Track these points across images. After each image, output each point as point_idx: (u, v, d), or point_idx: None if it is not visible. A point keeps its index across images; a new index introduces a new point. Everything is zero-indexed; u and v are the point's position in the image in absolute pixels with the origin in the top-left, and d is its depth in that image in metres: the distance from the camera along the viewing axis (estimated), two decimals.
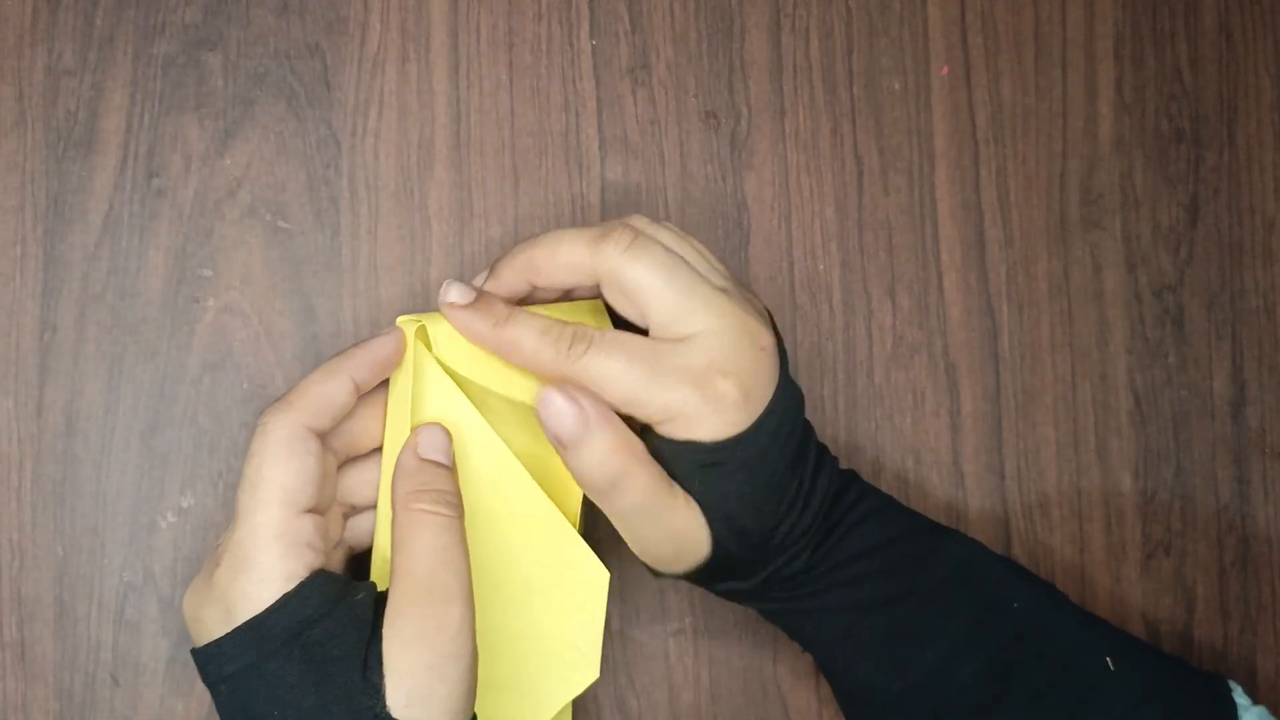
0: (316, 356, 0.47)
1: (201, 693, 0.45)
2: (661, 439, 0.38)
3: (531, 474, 0.40)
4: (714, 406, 0.37)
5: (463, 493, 0.39)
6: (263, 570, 0.35)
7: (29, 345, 0.46)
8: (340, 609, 0.36)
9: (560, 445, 0.38)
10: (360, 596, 0.36)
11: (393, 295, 0.47)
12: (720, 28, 0.49)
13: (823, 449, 0.42)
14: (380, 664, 0.35)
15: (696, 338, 0.38)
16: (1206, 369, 0.51)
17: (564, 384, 0.38)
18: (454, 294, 0.39)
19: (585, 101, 0.49)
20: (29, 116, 0.46)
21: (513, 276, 0.40)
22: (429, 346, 0.40)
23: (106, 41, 0.46)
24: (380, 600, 0.37)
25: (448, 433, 0.39)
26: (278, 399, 0.38)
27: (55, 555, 0.45)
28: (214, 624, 0.36)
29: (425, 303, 0.47)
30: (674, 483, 0.38)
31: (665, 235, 0.40)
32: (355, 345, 0.39)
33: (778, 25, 0.50)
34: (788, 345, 0.45)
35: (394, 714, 0.34)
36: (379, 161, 0.47)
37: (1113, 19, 0.51)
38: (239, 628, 0.35)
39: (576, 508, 0.42)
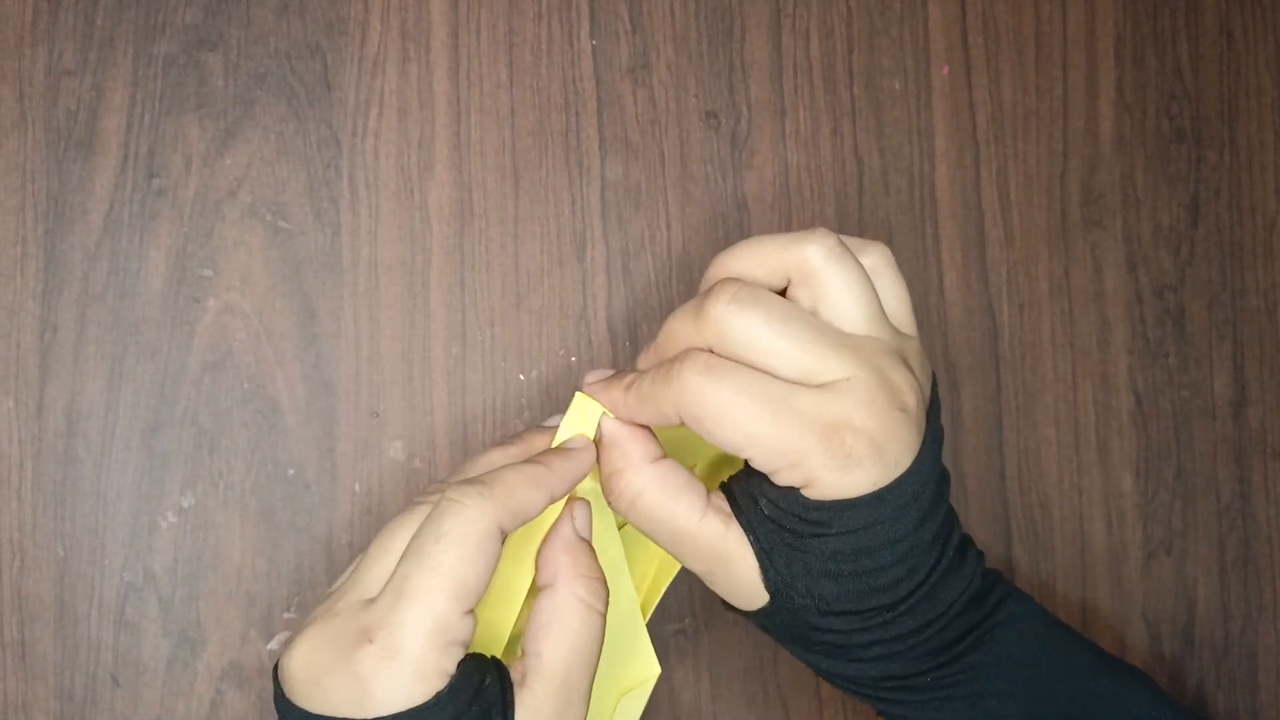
0: (316, 356, 0.47)
1: (201, 693, 0.45)
2: (764, 490, 0.36)
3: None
4: (840, 463, 0.34)
5: None
6: (419, 665, 0.33)
7: (29, 345, 0.46)
8: (477, 707, 0.34)
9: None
10: (488, 683, 0.35)
11: (393, 295, 0.47)
12: (720, 28, 0.49)
13: (969, 547, 0.39)
14: None
15: (831, 386, 0.35)
16: (1207, 369, 0.51)
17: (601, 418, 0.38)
18: (593, 375, 0.39)
19: (585, 101, 0.49)
20: (29, 116, 0.46)
21: (654, 410, 0.38)
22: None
23: (106, 41, 0.46)
24: (507, 677, 0.36)
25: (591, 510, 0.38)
26: (477, 481, 0.35)
27: (55, 555, 0.45)
28: (341, 701, 0.33)
29: (425, 303, 0.47)
30: (711, 509, 0.37)
31: (845, 270, 0.36)
32: (553, 453, 0.37)
33: (778, 25, 0.50)
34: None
35: None
36: (379, 161, 0.47)
37: (1113, 19, 0.51)
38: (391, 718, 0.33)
39: (650, 600, 0.42)
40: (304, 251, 0.47)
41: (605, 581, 0.37)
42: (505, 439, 0.40)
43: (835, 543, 0.35)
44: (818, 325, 0.35)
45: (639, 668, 0.41)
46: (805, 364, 0.35)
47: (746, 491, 0.37)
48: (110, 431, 0.46)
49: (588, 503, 0.38)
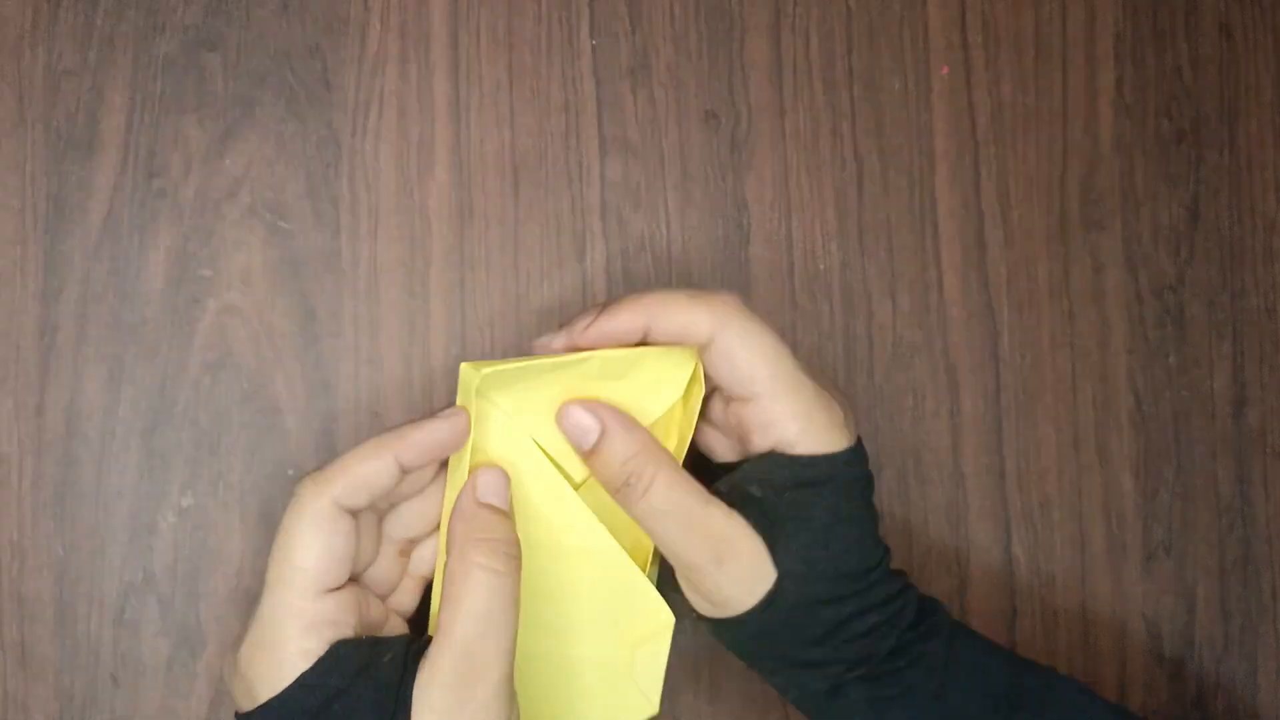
0: (316, 356, 0.47)
1: (201, 692, 0.45)
2: (752, 461, 0.39)
3: (605, 524, 0.40)
4: (827, 416, 0.38)
5: (525, 527, 0.39)
6: (281, 651, 0.35)
7: (29, 345, 0.46)
8: (363, 682, 0.35)
9: (583, 454, 0.39)
10: (388, 659, 0.35)
11: (393, 295, 0.47)
12: (720, 28, 0.49)
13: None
14: None
15: (810, 374, 0.39)
16: (1207, 369, 0.51)
17: (594, 403, 0.39)
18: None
19: (585, 101, 0.49)
20: (29, 117, 0.46)
21: (631, 318, 0.39)
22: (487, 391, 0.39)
23: (106, 42, 0.46)
24: (418, 653, 0.36)
25: (506, 476, 0.39)
26: (317, 469, 0.37)
27: (55, 555, 0.45)
28: (241, 698, 0.36)
29: (425, 303, 0.47)
30: (712, 497, 0.38)
31: None
32: (410, 424, 0.37)
33: (778, 25, 0.50)
34: (788, 345, 0.45)
35: None
36: (379, 161, 0.47)
37: (1113, 19, 0.51)
38: (262, 707, 0.35)
39: (647, 557, 0.42)
40: (304, 251, 0.47)
41: (513, 543, 0.37)
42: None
43: (834, 496, 0.38)
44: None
45: (647, 619, 0.41)
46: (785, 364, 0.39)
47: (730, 488, 0.39)
48: (110, 431, 0.46)
49: (496, 469, 0.38)
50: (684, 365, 0.40)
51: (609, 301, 0.40)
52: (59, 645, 0.45)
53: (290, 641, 0.35)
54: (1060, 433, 0.50)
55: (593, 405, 0.39)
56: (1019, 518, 0.50)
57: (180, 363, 0.46)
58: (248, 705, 0.35)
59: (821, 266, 0.49)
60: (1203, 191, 0.51)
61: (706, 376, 0.40)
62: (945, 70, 0.50)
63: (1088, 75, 0.51)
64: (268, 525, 0.46)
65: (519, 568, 0.37)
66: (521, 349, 0.47)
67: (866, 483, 0.40)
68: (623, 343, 0.39)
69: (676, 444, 0.41)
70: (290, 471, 0.46)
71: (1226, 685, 0.50)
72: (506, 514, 0.38)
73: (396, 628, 0.40)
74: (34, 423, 0.45)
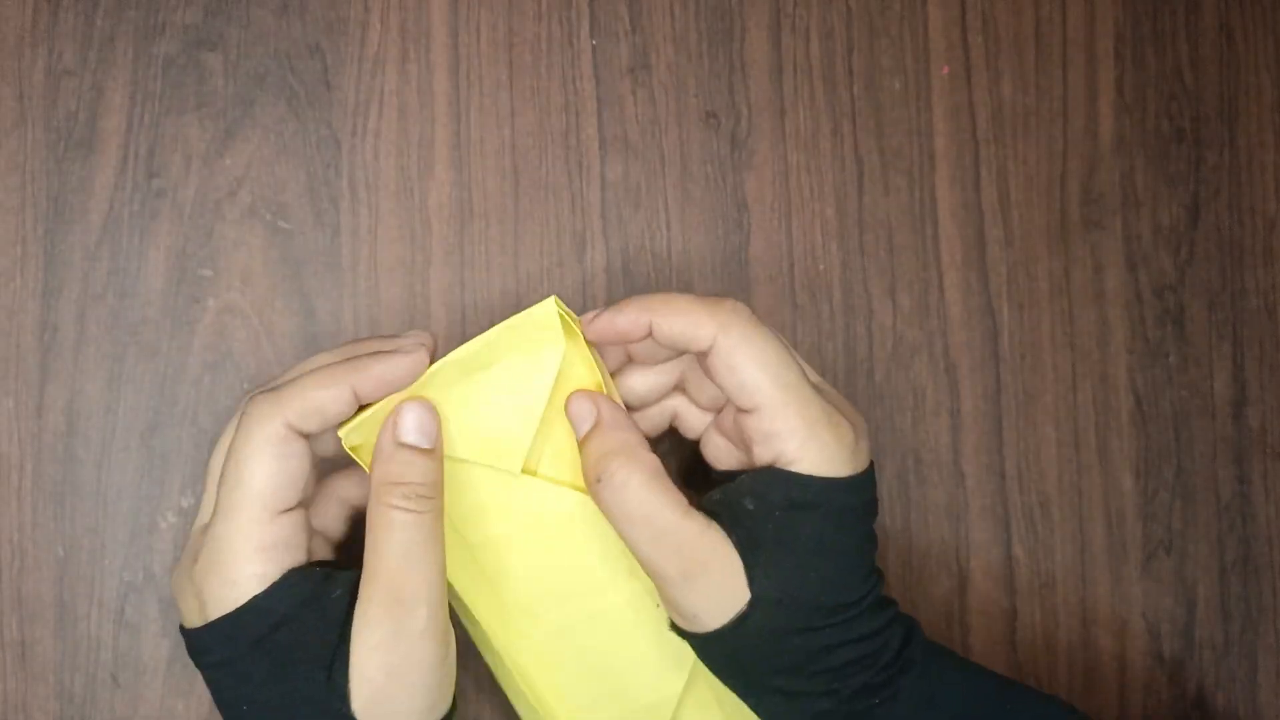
0: None
1: (201, 692, 0.45)
2: (751, 473, 0.38)
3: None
4: (833, 436, 0.37)
5: (508, 513, 0.39)
6: (234, 573, 0.35)
7: (29, 345, 0.46)
8: (309, 611, 0.36)
9: (579, 442, 0.39)
10: (336, 594, 0.36)
11: (393, 295, 0.47)
12: (720, 28, 0.49)
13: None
14: (346, 666, 0.35)
15: (819, 389, 0.38)
16: (1207, 369, 0.51)
17: (599, 395, 0.39)
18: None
19: (585, 101, 0.49)
20: (29, 116, 0.46)
21: (637, 315, 0.38)
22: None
23: (106, 41, 0.46)
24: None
25: (433, 412, 0.38)
26: (269, 387, 0.37)
27: (55, 555, 0.45)
28: (190, 613, 0.36)
29: (425, 303, 0.47)
30: (692, 510, 0.37)
31: None
32: (370, 356, 0.37)
33: (778, 25, 0.50)
34: (798, 358, 0.45)
35: (359, 717, 0.35)
36: (379, 161, 0.47)
37: (1113, 19, 0.51)
38: (210, 625, 0.36)
39: None
40: (304, 251, 0.47)
41: (430, 485, 0.37)
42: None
43: (823, 524, 0.37)
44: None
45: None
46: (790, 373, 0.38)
47: (725, 497, 0.38)
48: (110, 431, 0.46)
49: (419, 403, 0.38)
50: (545, 323, 0.38)
51: (620, 301, 0.39)
52: (59, 645, 0.45)
53: (245, 564, 0.35)
54: (1060, 433, 0.50)
55: (597, 396, 0.39)
56: (1019, 518, 0.50)
57: (180, 363, 0.46)
58: (196, 621, 0.36)
59: (821, 266, 0.49)
60: (1203, 191, 0.51)
61: (710, 383, 0.40)
62: (945, 70, 0.50)
63: (1088, 75, 0.51)
64: None
65: (437, 506, 0.37)
66: None
67: (865, 510, 0.38)
68: (626, 339, 0.39)
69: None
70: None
71: (1226, 685, 0.50)
72: (430, 454, 0.37)
73: (320, 549, 0.40)
74: (34, 423, 0.45)
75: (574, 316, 0.39)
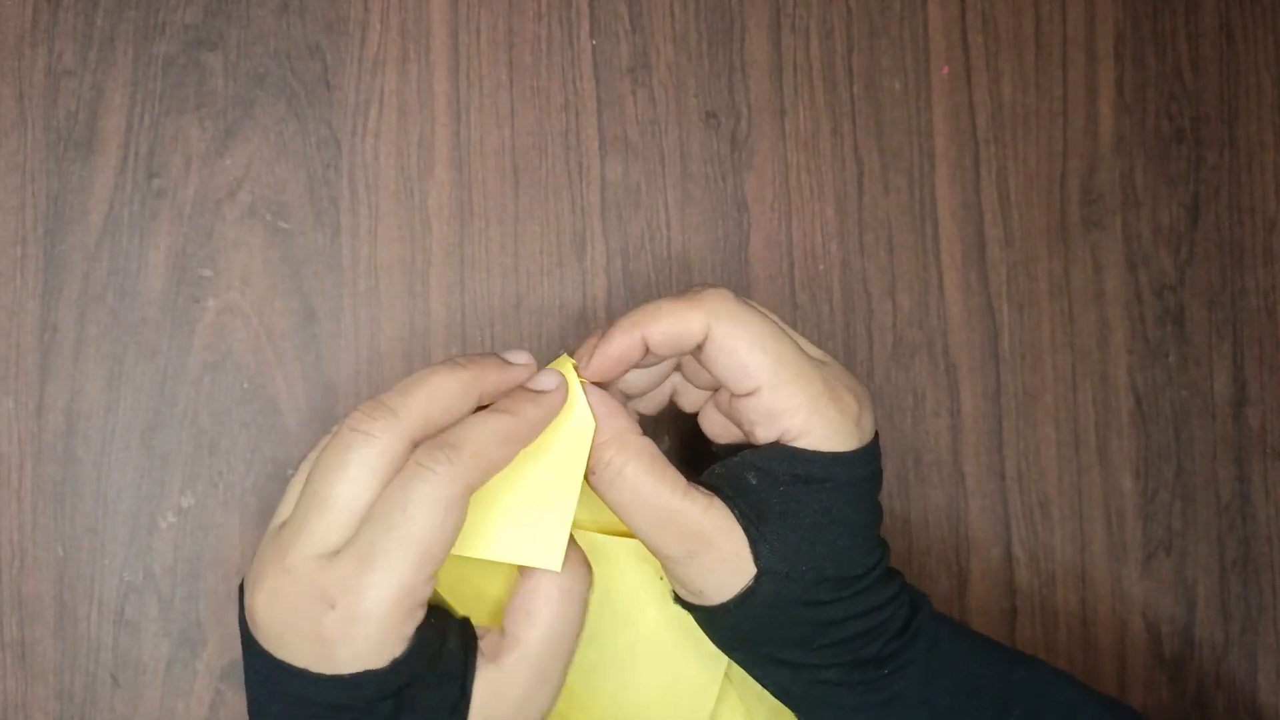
0: (316, 356, 0.47)
1: (201, 693, 0.45)
2: (754, 448, 0.37)
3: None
4: (837, 410, 0.37)
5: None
6: (382, 632, 0.33)
7: (29, 345, 0.46)
8: (433, 668, 0.34)
9: None
10: (452, 646, 0.35)
11: (393, 295, 0.47)
12: (720, 28, 0.49)
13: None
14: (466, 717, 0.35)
15: (821, 364, 0.38)
16: (1207, 369, 0.51)
17: (589, 387, 0.38)
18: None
19: (585, 101, 0.49)
20: (29, 116, 0.46)
21: (624, 337, 0.38)
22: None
23: (106, 41, 0.46)
24: (470, 639, 0.36)
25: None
26: (446, 444, 0.34)
27: (55, 555, 0.45)
28: (304, 655, 0.34)
29: (425, 303, 0.47)
30: (693, 486, 0.37)
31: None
32: (529, 399, 0.36)
33: (778, 25, 0.50)
34: (792, 333, 0.45)
35: None
36: (379, 161, 0.47)
37: (1113, 19, 0.51)
38: (341, 680, 0.33)
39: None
40: (304, 251, 0.47)
41: (589, 564, 0.37)
42: (454, 360, 0.37)
43: (829, 497, 0.37)
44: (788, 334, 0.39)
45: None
46: (786, 353, 0.38)
47: (728, 471, 0.38)
48: (110, 431, 0.46)
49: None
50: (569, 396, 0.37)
51: (606, 328, 0.39)
52: (59, 645, 0.45)
53: (396, 625, 0.33)
54: (1060, 433, 0.50)
55: (586, 388, 0.38)
56: (1019, 518, 0.50)
57: (180, 363, 0.46)
58: (315, 666, 0.33)
59: (821, 266, 0.49)
60: (1203, 191, 0.51)
61: (709, 373, 0.40)
62: (945, 70, 0.50)
63: (1088, 75, 0.51)
64: (268, 525, 0.46)
65: (591, 579, 0.37)
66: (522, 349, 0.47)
67: (871, 482, 0.38)
68: (626, 364, 0.38)
69: None
70: (290, 471, 0.46)
71: (1226, 685, 0.50)
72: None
73: None
74: (34, 423, 0.45)
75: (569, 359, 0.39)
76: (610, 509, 0.38)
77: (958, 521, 0.49)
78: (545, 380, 0.37)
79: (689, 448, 0.47)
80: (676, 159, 0.49)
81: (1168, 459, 0.51)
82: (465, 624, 0.36)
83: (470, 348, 0.47)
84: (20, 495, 0.45)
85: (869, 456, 0.38)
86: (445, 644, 0.35)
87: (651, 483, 0.37)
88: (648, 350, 0.38)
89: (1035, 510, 0.50)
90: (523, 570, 0.36)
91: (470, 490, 0.34)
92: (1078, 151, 0.51)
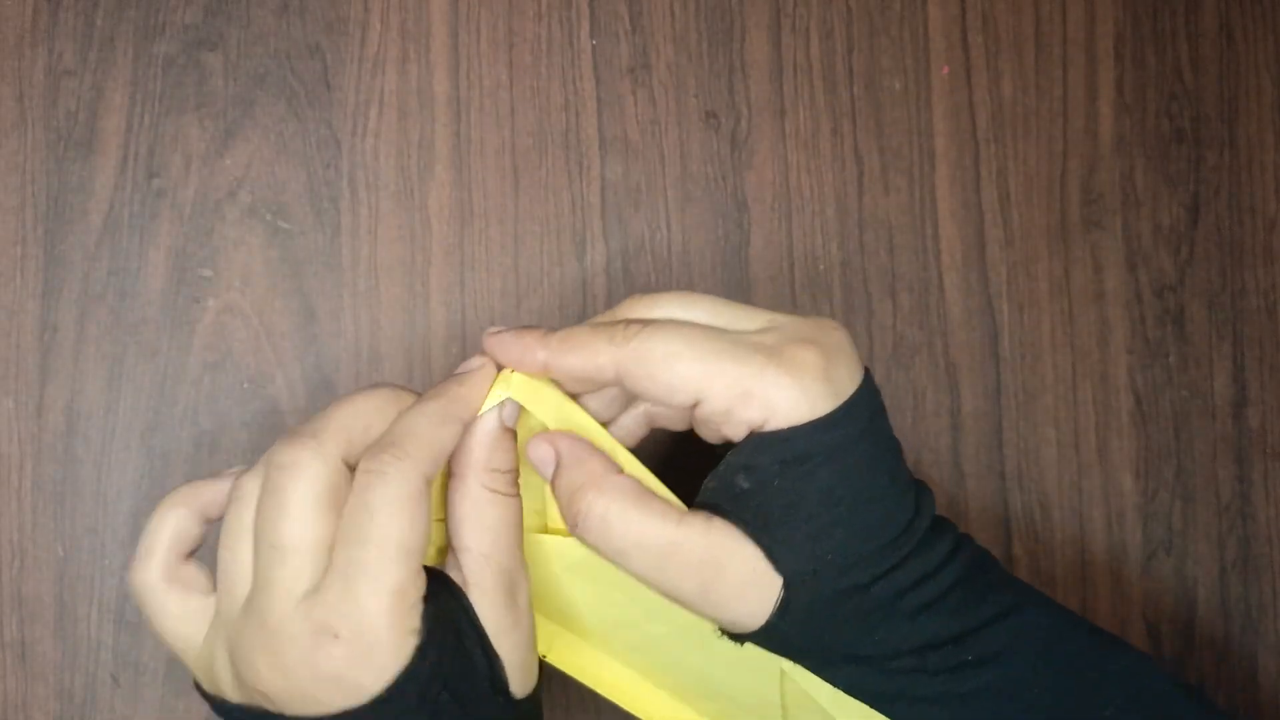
0: (316, 356, 0.47)
1: None
2: (735, 448, 0.34)
3: None
4: (792, 376, 0.33)
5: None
6: (393, 639, 0.32)
7: (29, 345, 0.46)
8: (448, 626, 0.34)
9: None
10: (445, 605, 0.34)
11: (393, 295, 0.47)
12: (720, 28, 0.49)
13: (945, 522, 0.36)
14: (495, 663, 0.35)
15: (761, 330, 0.35)
16: (1207, 369, 0.51)
17: (554, 433, 0.36)
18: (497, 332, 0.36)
19: (585, 101, 0.49)
20: (29, 116, 0.46)
21: (526, 353, 0.36)
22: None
23: (106, 41, 0.46)
24: (451, 587, 0.35)
25: (517, 405, 0.36)
26: (386, 442, 0.34)
27: (55, 555, 0.45)
28: (333, 698, 0.33)
29: (425, 303, 0.47)
30: (686, 515, 0.34)
31: (670, 303, 0.37)
32: (454, 380, 0.35)
33: (778, 25, 0.50)
34: (718, 300, 0.41)
35: (516, 694, 0.35)
36: (379, 161, 0.47)
37: (1113, 19, 0.51)
38: (384, 695, 0.32)
39: None
40: (304, 251, 0.47)
41: (517, 472, 0.36)
42: (377, 384, 0.37)
43: (825, 474, 0.33)
44: (719, 332, 0.35)
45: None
46: (733, 324, 0.35)
47: (719, 483, 0.35)
48: (110, 431, 0.46)
49: (515, 402, 0.36)
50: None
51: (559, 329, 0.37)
52: (59, 645, 0.45)
53: (400, 625, 0.32)
54: (1060, 433, 0.50)
55: (553, 436, 0.36)
56: (1019, 518, 0.50)
57: (180, 363, 0.46)
58: (351, 701, 0.32)
59: (821, 266, 0.49)
60: (1203, 191, 0.51)
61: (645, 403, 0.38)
62: (945, 70, 0.50)
63: (1088, 75, 0.51)
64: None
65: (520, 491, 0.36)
66: None
67: (868, 437, 0.34)
68: (523, 367, 0.36)
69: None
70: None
71: (1226, 685, 0.50)
72: (513, 433, 0.36)
73: None
74: (34, 423, 0.45)
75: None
76: (606, 559, 0.35)
77: (958, 521, 0.49)
78: (468, 364, 0.36)
79: (678, 464, 0.47)
80: (676, 159, 0.49)
81: (1168, 459, 0.51)
82: (438, 573, 0.35)
83: (470, 348, 0.47)
84: (20, 495, 0.45)
85: (855, 409, 0.34)
86: (442, 599, 0.34)
87: (640, 520, 0.34)
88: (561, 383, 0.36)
89: (1035, 510, 0.50)
90: (447, 477, 0.36)
91: (427, 479, 0.33)
92: (1078, 151, 0.51)
